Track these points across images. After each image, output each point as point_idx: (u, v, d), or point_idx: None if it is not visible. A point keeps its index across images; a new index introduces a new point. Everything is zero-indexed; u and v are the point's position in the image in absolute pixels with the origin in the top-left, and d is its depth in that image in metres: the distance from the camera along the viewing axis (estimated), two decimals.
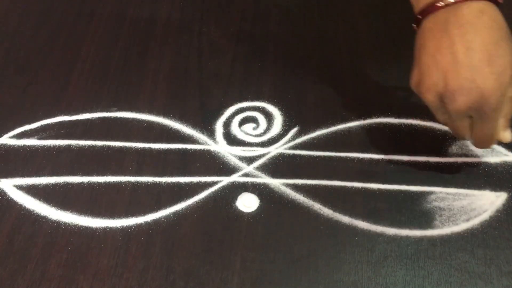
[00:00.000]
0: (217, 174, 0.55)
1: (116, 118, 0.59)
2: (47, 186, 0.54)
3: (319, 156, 0.56)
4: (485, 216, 0.52)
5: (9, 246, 0.50)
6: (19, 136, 0.57)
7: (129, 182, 0.54)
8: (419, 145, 0.57)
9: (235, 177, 0.54)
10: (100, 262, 0.49)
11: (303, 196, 0.53)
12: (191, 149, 0.56)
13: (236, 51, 0.65)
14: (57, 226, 0.51)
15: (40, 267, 0.49)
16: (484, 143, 0.51)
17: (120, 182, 0.54)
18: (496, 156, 0.56)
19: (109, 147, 0.57)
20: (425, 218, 0.52)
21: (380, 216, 0.52)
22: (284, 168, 0.55)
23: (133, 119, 0.59)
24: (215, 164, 0.55)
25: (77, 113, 0.59)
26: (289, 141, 0.57)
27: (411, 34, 0.67)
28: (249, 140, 0.57)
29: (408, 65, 0.64)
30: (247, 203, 0.53)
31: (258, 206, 0.52)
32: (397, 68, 0.64)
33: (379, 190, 0.54)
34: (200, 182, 0.54)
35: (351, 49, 0.66)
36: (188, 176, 0.54)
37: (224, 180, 0.54)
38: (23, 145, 0.57)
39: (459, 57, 0.45)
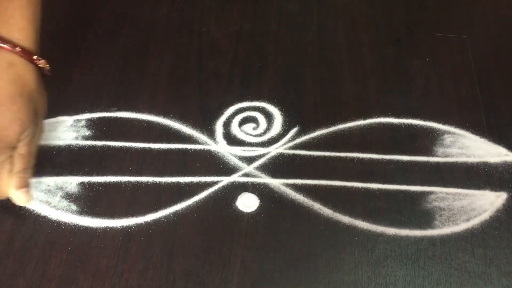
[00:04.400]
0: (217, 174, 0.55)
1: (116, 118, 0.59)
2: (47, 186, 0.54)
3: (319, 156, 0.56)
4: (485, 216, 0.52)
5: (9, 246, 0.50)
6: None
7: (129, 182, 0.54)
8: (419, 145, 0.57)
9: (235, 177, 0.54)
10: (100, 262, 0.49)
11: (303, 196, 0.53)
12: (191, 149, 0.56)
13: (236, 51, 0.65)
14: (57, 226, 0.51)
15: (40, 267, 0.49)
16: None
17: (120, 182, 0.54)
18: (496, 156, 0.56)
19: (109, 147, 0.57)
20: (425, 218, 0.52)
21: (380, 216, 0.52)
22: (284, 168, 0.55)
23: (133, 119, 0.59)
24: (215, 164, 0.55)
25: (77, 113, 0.59)
26: (289, 141, 0.57)
27: (411, 34, 0.68)
28: (249, 140, 0.57)
29: (408, 65, 0.64)
30: (247, 203, 0.53)
31: (258, 206, 0.52)
32: (397, 68, 0.64)
33: (379, 190, 0.54)
34: (200, 182, 0.54)
35: (351, 49, 0.66)
36: (188, 176, 0.54)
37: (224, 180, 0.54)
38: None
39: None
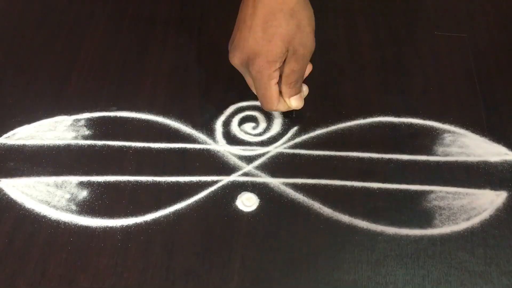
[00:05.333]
0: (216, 174, 0.55)
1: (115, 118, 0.59)
2: (46, 186, 0.54)
3: (319, 155, 0.56)
4: (485, 215, 0.52)
5: (9, 246, 0.50)
6: (19, 136, 0.57)
7: (128, 182, 0.54)
8: (419, 144, 0.57)
9: (235, 177, 0.54)
10: (100, 261, 0.49)
11: (303, 195, 0.53)
12: (190, 149, 0.56)
13: None
14: (57, 226, 0.51)
15: (40, 267, 0.49)
16: (263, 103, 0.55)
17: (120, 182, 0.54)
18: (496, 155, 0.56)
19: (108, 146, 0.57)
20: (425, 217, 0.52)
21: (380, 215, 0.52)
22: (284, 167, 0.55)
23: (133, 119, 0.59)
24: (215, 164, 0.55)
25: (77, 112, 0.59)
26: (289, 140, 0.57)
27: (412, 34, 0.68)
28: (249, 140, 0.57)
29: (408, 65, 0.64)
30: (247, 202, 0.53)
31: (258, 206, 0.52)
32: (397, 68, 0.64)
33: (379, 189, 0.54)
34: (200, 181, 0.54)
35: (351, 49, 0.66)
36: (187, 176, 0.54)
37: (224, 180, 0.54)
38: (23, 145, 0.57)
39: (246, 19, 0.52)
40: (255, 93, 0.56)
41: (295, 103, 0.55)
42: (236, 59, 0.53)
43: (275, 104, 0.54)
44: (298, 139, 0.57)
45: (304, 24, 0.52)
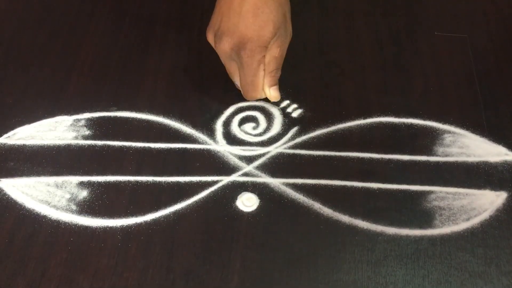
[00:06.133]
0: (217, 174, 0.55)
1: (116, 118, 0.59)
2: (47, 186, 0.54)
3: (319, 156, 0.56)
4: (485, 215, 0.52)
5: (9, 246, 0.50)
6: (19, 135, 0.57)
7: (128, 182, 0.54)
8: (419, 145, 0.57)
9: (235, 177, 0.54)
10: (100, 261, 0.49)
11: (303, 195, 0.53)
12: (191, 149, 0.56)
13: None
14: (57, 225, 0.51)
15: (40, 267, 0.49)
16: (247, 92, 0.57)
17: (120, 182, 0.54)
18: (496, 155, 0.56)
19: (109, 146, 0.57)
20: (425, 218, 0.52)
21: (380, 215, 0.52)
22: (284, 167, 0.55)
23: (133, 119, 0.59)
24: (215, 164, 0.55)
25: (77, 112, 0.59)
26: (289, 140, 0.57)
27: (412, 34, 0.68)
28: (249, 140, 0.57)
29: (408, 65, 0.64)
30: (247, 202, 0.53)
31: (258, 206, 0.52)
32: (397, 68, 0.64)
33: (379, 189, 0.54)
34: (200, 181, 0.54)
35: (351, 49, 0.66)
36: (188, 176, 0.54)
37: (224, 180, 0.54)
38: (23, 144, 0.57)
39: (234, 5, 0.53)
40: (238, 82, 0.57)
41: (274, 93, 0.57)
42: (226, 45, 0.53)
43: (260, 91, 0.57)
44: (298, 139, 0.57)
45: (287, 15, 0.55)
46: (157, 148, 0.57)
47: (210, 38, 0.56)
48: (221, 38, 0.53)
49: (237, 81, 0.58)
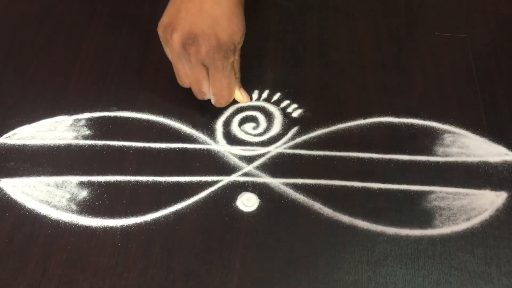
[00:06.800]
0: (217, 174, 0.55)
1: (116, 118, 0.59)
2: (47, 186, 0.54)
3: (319, 156, 0.56)
4: (485, 215, 0.52)
5: (9, 246, 0.50)
6: (20, 135, 0.57)
7: (129, 182, 0.54)
8: (419, 145, 0.57)
9: (235, 177, 0.54)
10: (100, 261, 0.49)
11: (303, 195, 0.53)
12: (191, 149, 0.56)
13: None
14: (57, 225, 0.51)
15: (40, 267, 0.49)
16: (222, 97, 0.57)
17: (120, 182, 0.54)
18: (496, 155, 0.56)
19: (109, 146, 0.57)
20: (425, 218, 0.52)
21: (380, 215, 0.52)
22: (284, 167, 0.55)
23: (133, 119, 0.59)
24: (215, 164, 0.55)
25: (77, 112, 0.59)
26: (289, 140, 0.57)
27: (412, 34, 0.68)
28: (249, 140, 0.57)
29: (408, 65, 0.64)
30: (247, 202, 0.53)
31: (258, 206, 0.52)
32: (397, 68, 0.64)
33: (379, 189, 0.54)
34: (200, 181, 0.54)
35: (351, 49, 0.66)
36: (188, 176, 0.54)
37: (224, 180, 0.54)
38: (23, 144, 0.57)
39: (206, 8, 0.53)
40: (207, 89, 0.57)
41: (245, 94, 0.59)
42: (203, 48, 0.52)
43: (233, 94, 0.58)
44: (298, 139, 0.57)
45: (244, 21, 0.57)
46: (157, 148, 0.57)
47: (177, 43, 0.53)
48: (196, 42, 0.52)
49: (205, 87, 0.56)
